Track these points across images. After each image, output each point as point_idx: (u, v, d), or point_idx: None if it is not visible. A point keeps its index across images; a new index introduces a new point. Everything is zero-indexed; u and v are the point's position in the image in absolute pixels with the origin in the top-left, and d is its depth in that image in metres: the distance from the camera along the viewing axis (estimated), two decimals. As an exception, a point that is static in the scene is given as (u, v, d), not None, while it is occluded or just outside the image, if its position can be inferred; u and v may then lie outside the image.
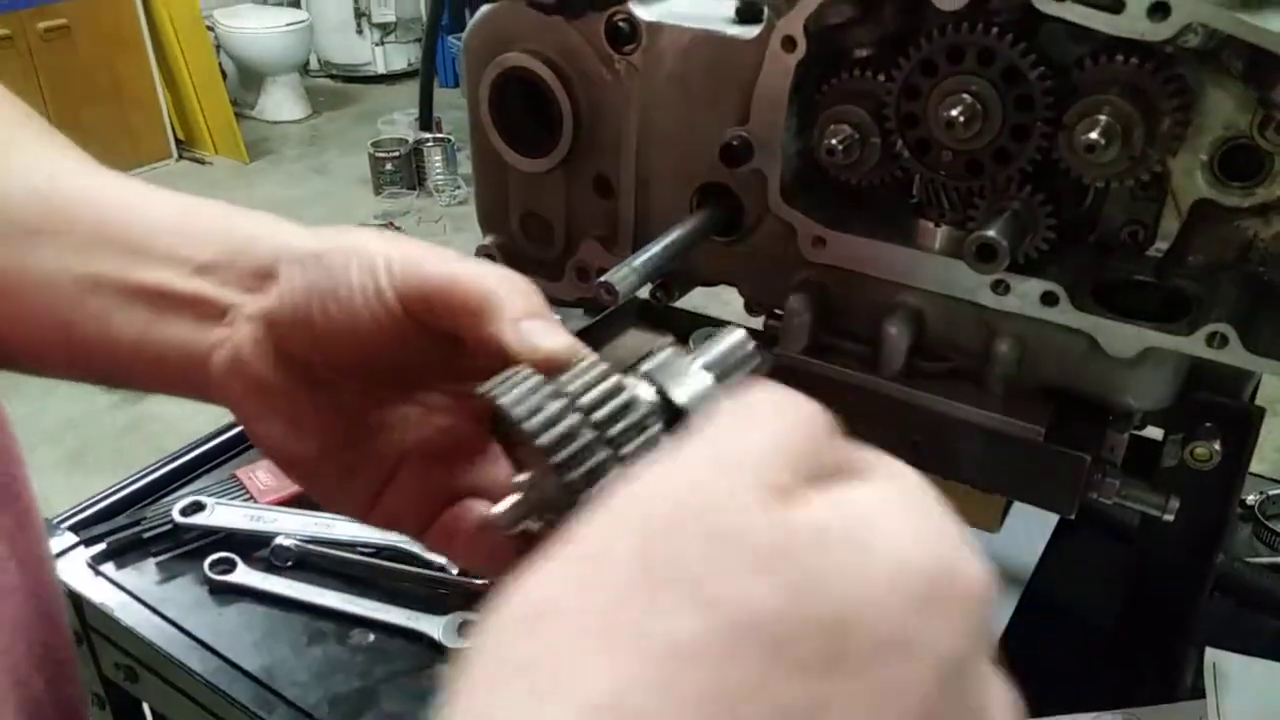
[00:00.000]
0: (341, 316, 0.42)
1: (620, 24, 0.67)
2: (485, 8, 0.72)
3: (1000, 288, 0.60)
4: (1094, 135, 0.54)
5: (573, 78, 0.70)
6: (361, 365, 0.44)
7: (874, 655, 0.24)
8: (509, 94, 0.73)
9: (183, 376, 0.47)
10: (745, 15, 0.65)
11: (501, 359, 0.38)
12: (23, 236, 0.49)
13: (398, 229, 4.43)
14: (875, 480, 0.29)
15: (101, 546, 0.89)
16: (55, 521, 0.94)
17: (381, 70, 6.20)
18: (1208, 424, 0.62)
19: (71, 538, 0.91)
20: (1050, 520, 0.89)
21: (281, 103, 5.72)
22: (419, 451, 0.45)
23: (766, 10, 0.62)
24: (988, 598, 0.27)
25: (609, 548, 0.25)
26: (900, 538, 0.26)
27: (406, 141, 4.81)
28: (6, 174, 0.51)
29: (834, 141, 0.60)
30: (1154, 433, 0.66)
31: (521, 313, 0.39)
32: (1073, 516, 0.62)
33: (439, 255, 0.42)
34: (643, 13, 0.67)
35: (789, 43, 0.60)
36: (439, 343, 0.42)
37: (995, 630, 0.28)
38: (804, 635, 0.24)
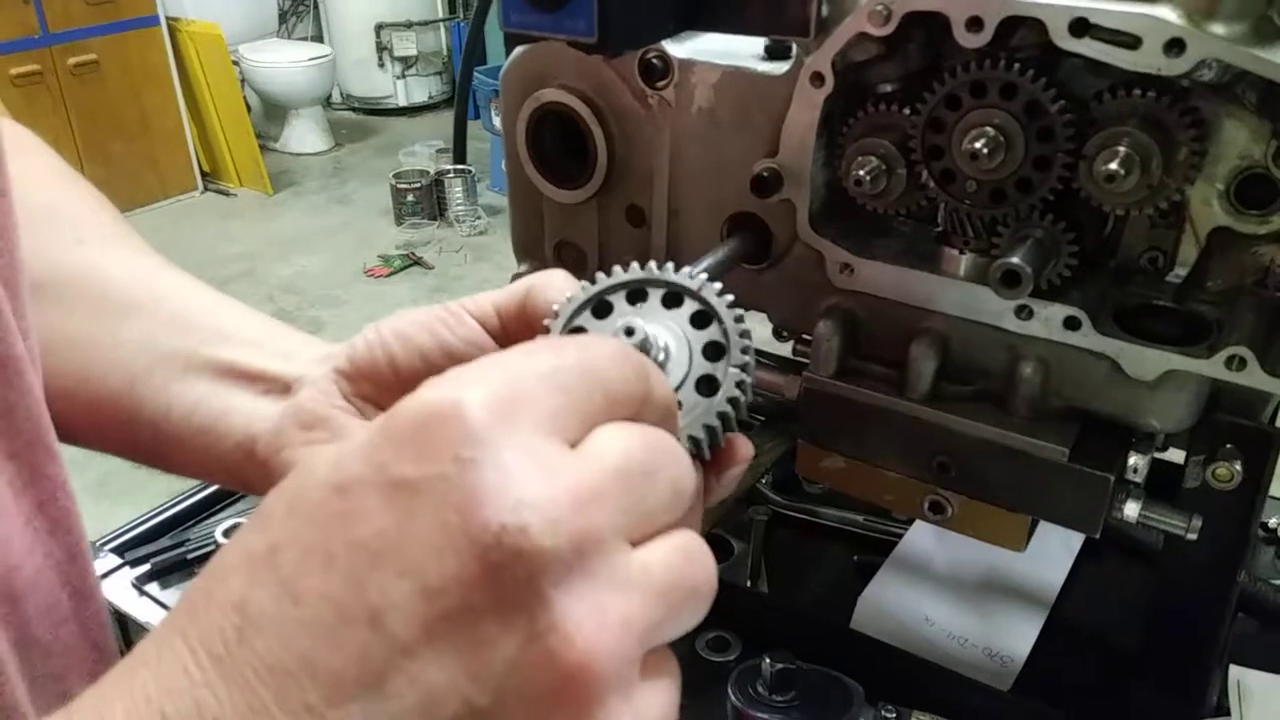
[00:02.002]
0: (421, 338, 0.46)
1: (654, 61, 0.70)
2: (522, 47, 0.75)
3: (1024, 313, 0.62)
4: (1113, 166, 0.55)
5: (607, 112, 0.73)
6: None
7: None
8: (544, 128, 0.76)
9: (226, 445, 0.50)
10: (774, 53, 0.68)
11: None
12: (121, 311, 0.53)
13: (419, 259, 4.48)
14: None
15: (146, 567, 0.91)
16: (98, 544, 0.96)
17: (403, 103, 6.30)
18: (1228, 445, 0.63)
19: (115, 559, 0.94)
20: (1076, 543, 0.90)
21: (305, 135, 5.81)
22: None
23: (795, 48, 0.65)
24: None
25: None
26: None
27: (428, 173, 4.87)
28: (115, 259, 0.56)
29: (862, 172, 0.63)
30: (1175, 456, 0.67)
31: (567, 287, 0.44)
32: (1097, 535, 0.64)
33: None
34: (675, 50, 0.69)
35: (817, 78, 0.62)
36: None
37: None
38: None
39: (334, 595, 0.28)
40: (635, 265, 0.39)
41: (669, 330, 0.38)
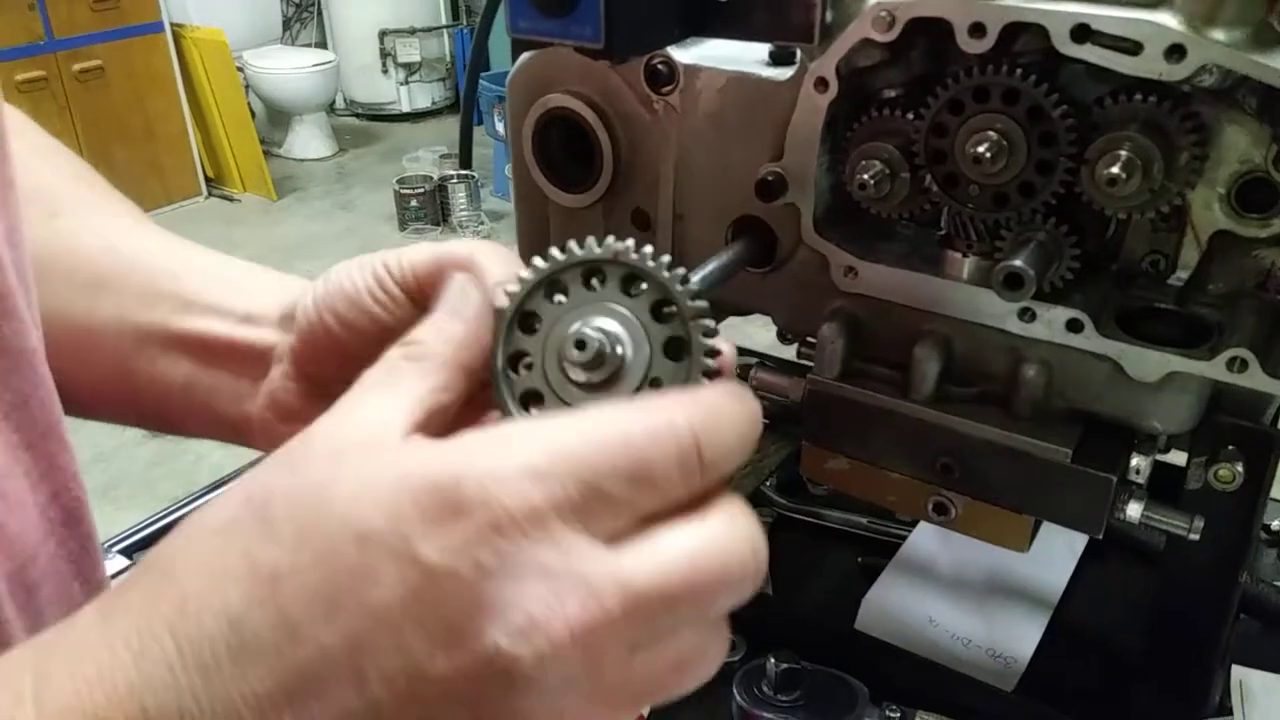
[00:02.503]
0: (353, 315, 0.46)
1: (659, 67, 0.71)
2: (528, 53, 0.76)
3: (1027, 315, 0.62)
4: (1115, 170, 0.56)
5: (613, 117, 0.74)
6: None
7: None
8: (550, 132, 0.77)
9: (228, 419, 0.51)
10: (778, 58, 0.68)
11: None
12: (92, 288, 0.54)
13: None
14: None
15: (154, 569, 0.92)
16: (106, 545, 0.97)
17: (406, 109, 6.32)
18: (1230, 446, 0.64)
19: (123, 560, 0.95)
20: (1079, 544, 0.91)
21: (308, 141, 5.83)
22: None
23: (799, 53, 0.66)
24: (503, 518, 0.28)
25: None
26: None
27: (431, 178, 4.88)
28: (85, 231, 0.56)
29: (866, 176, 0.63)
30: (1177, 459, 0.68)
31: (501, 276, 0.41)
32: (1100, 536, 0.64)
33: (425, 244, 0.47)
34: (681, 56, 0.70)
35: (821, 84, 0.63)
36: None
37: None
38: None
39: (330, 649, 0.28)
40: (591, 241, 0.37)
41: (623, 321, 0.35)
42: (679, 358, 0.35)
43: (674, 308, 0.35)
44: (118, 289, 0.53)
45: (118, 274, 0.54)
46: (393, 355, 0.36)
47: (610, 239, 0.36)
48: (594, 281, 0.36)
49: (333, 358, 0.47)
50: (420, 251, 0.45)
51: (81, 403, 0.54)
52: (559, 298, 0.37)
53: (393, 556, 0.28)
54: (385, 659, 0.28)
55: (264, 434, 0.50)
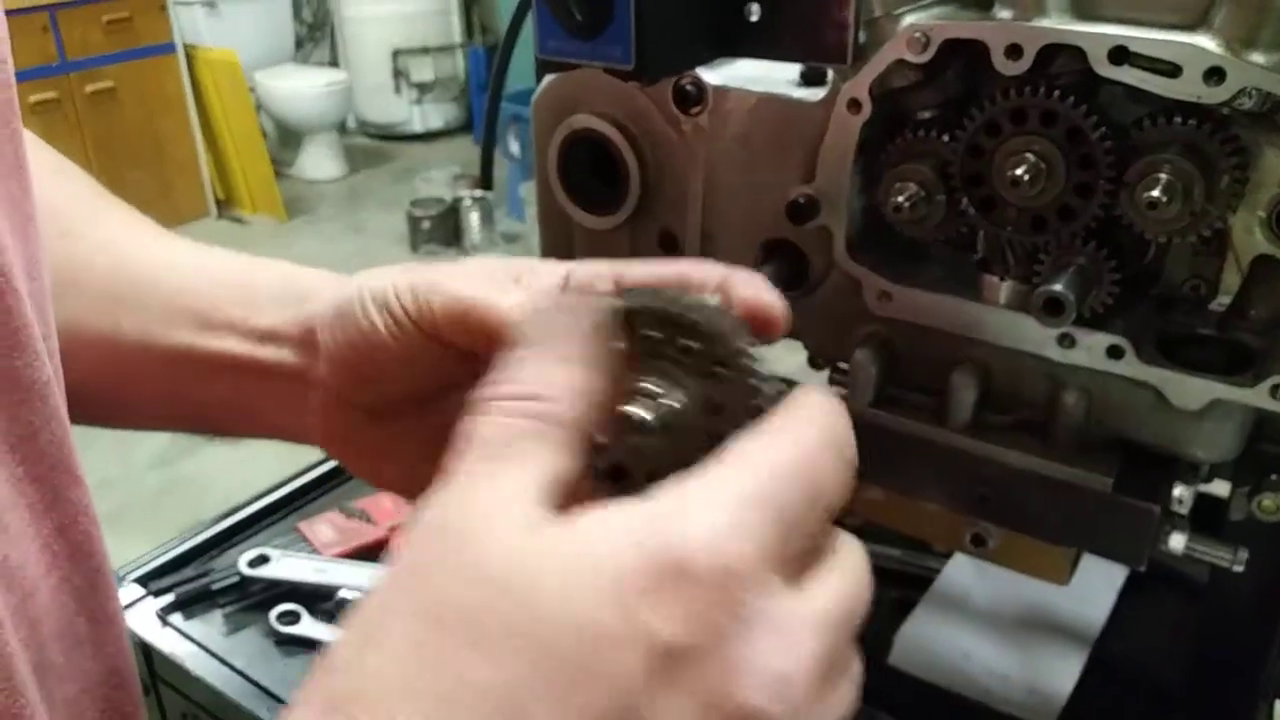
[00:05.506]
0: (376, 352, 0.47)
1: (688, 87, 0.70)
2: (554, 74, 0.75)
3: (1066, 341, 0.61)
4: (1155, 193, 0.55)
5: (640, 138, 0.73)
6: (413, 390, 0.49)
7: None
8: (575, 154, 0.76)
9: (283, 426, 0.53)
10: (809, 79, 0.67)
11: None
12: (110, 304, 0.54)
13: (433, 284, 4.50)
14: None
15: (170, 598, 0.91)
16: (120, 573, 0.96)
17: (418, 129, 6.32)
18: (1274, 476, 0.62)
19: (138, 590, 0.93)
20: (1118, 577, 0.89)
21: (320, 161, 5.84)
22: None
23: (831, 73, 0.65)
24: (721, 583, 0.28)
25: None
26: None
27: (444, 199, 4.89)
28: (93, 247, 0.56)
29: (900, 199, 0.62)
30: (1220, 490, 0.66)
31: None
32: (1142, 569, 0.62)
33: (451, 277, 0.46)
34: (710, 76, 0.69)
35: (854, 105, 0.62)
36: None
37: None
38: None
39: None
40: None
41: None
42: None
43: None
44: (136, 307, 0.53)
45: (133, 293, 0.54)
46: (512, 417, 0.32)
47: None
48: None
49: (361, 384, 0.49)
50: (450, 296, 0.45)
51: (133, 417, 0.54)
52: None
53: (629, 643, 0.27)
54: None
55: (325, 437, 0.51)
